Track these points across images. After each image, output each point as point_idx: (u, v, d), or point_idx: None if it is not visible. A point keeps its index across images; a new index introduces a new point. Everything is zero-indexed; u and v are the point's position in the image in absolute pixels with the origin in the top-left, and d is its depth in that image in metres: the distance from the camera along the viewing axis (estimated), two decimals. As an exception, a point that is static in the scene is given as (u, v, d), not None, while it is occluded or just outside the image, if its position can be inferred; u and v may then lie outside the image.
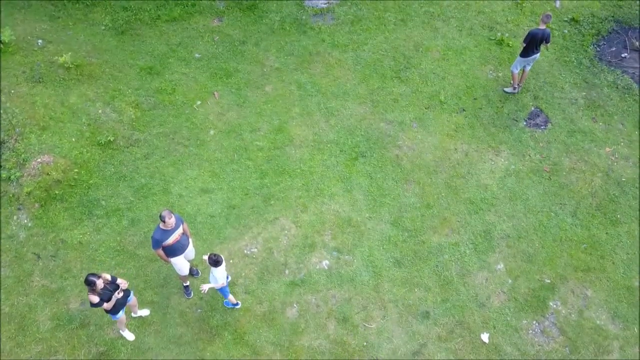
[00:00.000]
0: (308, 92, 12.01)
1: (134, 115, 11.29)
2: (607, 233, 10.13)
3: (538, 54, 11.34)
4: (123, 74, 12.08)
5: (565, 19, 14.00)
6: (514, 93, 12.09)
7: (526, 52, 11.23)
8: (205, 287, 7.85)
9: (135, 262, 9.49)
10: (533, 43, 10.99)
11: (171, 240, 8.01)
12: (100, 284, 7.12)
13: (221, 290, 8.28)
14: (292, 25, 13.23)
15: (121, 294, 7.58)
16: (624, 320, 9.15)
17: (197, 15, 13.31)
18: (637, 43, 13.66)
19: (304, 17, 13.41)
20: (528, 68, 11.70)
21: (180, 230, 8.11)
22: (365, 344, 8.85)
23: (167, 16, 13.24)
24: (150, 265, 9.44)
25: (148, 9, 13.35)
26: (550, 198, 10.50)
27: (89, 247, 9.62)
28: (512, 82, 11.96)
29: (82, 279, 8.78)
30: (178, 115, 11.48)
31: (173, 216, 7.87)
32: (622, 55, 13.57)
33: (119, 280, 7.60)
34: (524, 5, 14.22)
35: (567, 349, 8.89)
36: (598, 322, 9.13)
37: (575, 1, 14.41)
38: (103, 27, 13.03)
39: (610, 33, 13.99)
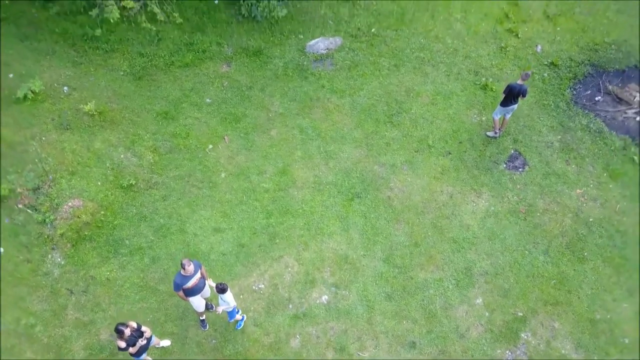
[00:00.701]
0: (309, 136, 13.32)
1: (152, 159, 12.60)
2: (574, 270, 11.48)
3: (516, 105, 12.66)
4: (141, 118, 13.37)
5: (546, 62, 15.31)
6: (495, 137, 13.41)
7: (505, 103, 12.54)
8: (219, 309, 9.27)
9: (157, 297, 10.82)
10: (511, 95, 12.31)
11: (190, 284, 9.35)
12: (127, 332, 8.44)
13: (230, 313, 9.65)
14: (295, 71, 14.51)
15: (144, 342, 8.90)
16: (585, 350, 10.52)
17: (207, 61, 14.58)
18: (610, 87, 14.98)
19: (305, 63, 14.69)
20: (508, 116, 13.01)
21: (198, 275, 9.45)
22: (359, 372, 10.23)
23: (180, 62, 14.50)
24: (170, 300, 10.78)
25: (162, 55, 14.60)
26: (525, 237, 11.84)
27: (115, 283, 10.96)
28: (493, 127, 13.27)
29: (111, 312, 10.13)
30: (192, 159, 12.79)
31: (192, 263, 9.21)
32: (596, 98, 14.90)
33: (143, 328, 8.93)
34: (507, 49, 15.52)
35: (534, 376, 10.27)
36: (563, 351, 10.51)
37: (555, 45, 15.70)
38: (122, 73, 14.30)
39: (586, 77, 15.30)
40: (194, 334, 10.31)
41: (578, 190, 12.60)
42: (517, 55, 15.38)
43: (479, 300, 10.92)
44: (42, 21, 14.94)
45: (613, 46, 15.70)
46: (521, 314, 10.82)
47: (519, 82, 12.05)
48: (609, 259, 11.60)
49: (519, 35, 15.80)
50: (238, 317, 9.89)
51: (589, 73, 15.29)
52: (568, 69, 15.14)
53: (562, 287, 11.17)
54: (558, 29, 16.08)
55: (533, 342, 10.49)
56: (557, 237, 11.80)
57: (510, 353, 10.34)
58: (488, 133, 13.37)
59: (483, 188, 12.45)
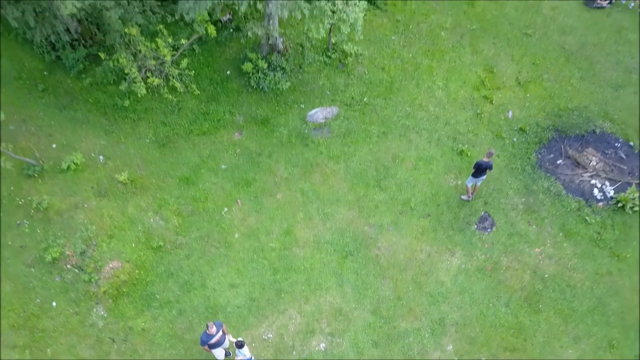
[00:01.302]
0: (309, 199, 15.71)
1: (177, 222, 15.00)
2: (530, 320, 13.91)
3: (485, 175, 15.05)
4: (166, 184, 15.76)
5: (515, 128, 17.68)
6: (468, 200, 15.81)
7: (475, 174, 14.93)
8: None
9: (184, 344, 13.25)
10: (479, 170, 14.71)
11: (213, 340, 11.77)
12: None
13: None
14: (297, 139, 16.89)
15: None
16: None
17: (222, 129, 16.95)
18: (570, 151, 17.38)
19: (306, 131, 17.07)
20: (479, 183, 15.41)
21: (220, 333, 11.87)
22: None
23: (198, 130, 16.87)
24: (195, 348, 13.21)
25: (182, 123, 16.97)
26: (490, 292, 14.27)
27: (149, 332, 13.38)
28: (467, 192, 15.67)
29: (147, 358, 12.53)
30: (210, 221, 15.18)
31: (214, 326, 11.60)
32: (558, 162, 17.29)
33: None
34: (482, 115, 17.89)
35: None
36: None
37: (524, 111, 18.09)
38: (148, 140, 16.67)
39: (550, 141, 17.68)
40: None
41: (537, 249, 15.01)
42: (491, 121, 17.73)
43: (450, 347, 13.34)
44: (77, 91, 17.28)
45: (575, 112, 18.04)
46: (483, 356, 13.24)
47: (485, 159, 14.44)
48: (560, 311, 14.03)
49: (493, 102, 18.13)
50: (244, 356, 12.18)
51: (553, 138, 17.63)
52: (535, 134, 17.49)
53: (520, 336, 13.59)
54: (528, 95, 18.43)
55: None
56: (517, 292, 14.22)
57: None
58: (462, 197, 15.75)
59: (456, 247, 14.86)
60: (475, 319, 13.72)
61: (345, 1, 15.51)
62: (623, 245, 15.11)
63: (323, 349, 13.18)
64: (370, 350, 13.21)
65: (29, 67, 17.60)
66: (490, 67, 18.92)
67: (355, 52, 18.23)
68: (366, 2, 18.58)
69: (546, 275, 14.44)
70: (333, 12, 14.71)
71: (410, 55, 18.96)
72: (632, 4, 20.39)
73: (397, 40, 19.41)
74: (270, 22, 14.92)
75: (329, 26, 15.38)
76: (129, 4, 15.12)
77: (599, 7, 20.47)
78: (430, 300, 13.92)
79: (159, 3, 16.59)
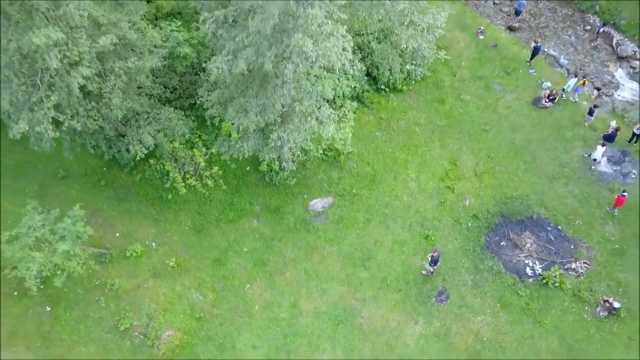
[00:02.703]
0: (310, 277, 21.10)
1: (212, 297, 20.42)
2: None
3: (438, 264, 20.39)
4: (203, 265, 21.13)
5: (470, 214, 22.98)
6: (430, 275, 21.20)
7: (432, 263, 20.29)
8: None
9: None
10: (433, 259, 20.06)
11: None
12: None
13: None
14: (301, 225, 22.19)
15: None
16: None
17: (244, 217, 22.23)
18: (511, 234, 22.73)
19: (308, 218, 22.38)
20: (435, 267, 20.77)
21: None
22: None
23: (225, 219, 22.17)
24: None
25: (213, 213, 22.25)
26: (442, 352, 19.71)
27: None
28: (430, 271, 21.05)
29: None
30: (237, 295, 20.58)
31: None
32: (501, 243, 22.64)
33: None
34: (445, 203, 23.15)
35: None
36: None
37: (479, 199, 23.35)
38: (187, 227, 21.99)
39: (496, 225, 22.97)
40: None
41: (479, 318, 20.48)
42: (452, 208, 23.04)
43: None
44: (130, 185, 22.54)
45: (518, 200, 23.28)
46: None
47: (435, 255, 19.74)
48: None
49: (455, 191, 23.39)
50: None
51: (499, 222, 22.92)
52: (485, 219, 22.79)
53: None
54: (482, 184, 23.68)
55: None
56: (462, 352, 19.69)
57: None
58: (423, 272, 21.13)
59: (419, 317, 20.32)
60: None
61: (338, 126, 20.70)
62: (544, 313, 20.54)
63: None
64: None
65: (91, 164, 22.78)
66: (454, 160, 24.11)
67: (346, 151, 23.32)
68: (356, 104, 23.64)
69: (484, 339, 19.91)
70: (327, 138, 19.74)
71: (390, 150, 24.17)
72: (576, 99, 25.39)
73: (380, 136, 24.61)
74: (282, 150, 19.94)
75: (325, 146, 20.51)
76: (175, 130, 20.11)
77: (543, 107, 25.63)
78: (398, 358, 19.38)
79: (194, 118, 21.56)
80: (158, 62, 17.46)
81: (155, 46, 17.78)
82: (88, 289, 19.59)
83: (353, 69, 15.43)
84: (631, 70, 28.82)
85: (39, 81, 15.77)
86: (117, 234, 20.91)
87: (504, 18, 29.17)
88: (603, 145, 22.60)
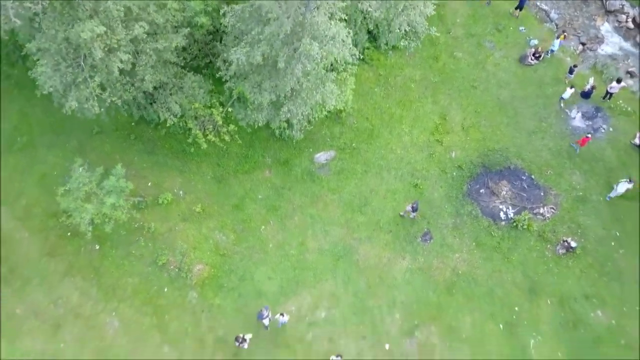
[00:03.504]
0: (315, 220, 24.99)
1: (233, 237, 24.46)
2: (446, 300, 23.77)
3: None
4: (224, 210, 24.98)
5: (456, 165, 26.41)
6: (405, 217, 24.99)
7: (413, 210, 24.05)
8: (279, 319, 21.75)
9: (243, 314, 23.16)
10: (413, 209, 23.78)
11: (264, 315, 21.75)
12: (242, 338, 20.91)
13: (281, 322, 21.96)
14: (307, 176, 25.74)
15: (244, 344, 21.42)
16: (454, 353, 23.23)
17: (257, 169, 25.73)
18: (490, 183, 26.32)
19: (313, 170, 25.89)
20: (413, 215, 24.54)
21: (267, 312, 21.81)
22: None
23: (241, 170, 25.70)
24: (251, 317, 23.26)
25: (231, 165, 25.72)
26: (425, 284, 23.94)
27: (222, 307, 23.35)
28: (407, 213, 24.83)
29: (223, 322, 22.63)
30: (254, 236, 24.58)
31: (265, 309, 21.53)
32: (481, 191, 26.27)
33: (246, 336, 21.47)
34: (434, 155, 26.51)
35: None
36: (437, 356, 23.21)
37: (464, 152, 26.67)
38: (209, 177, 25.59)
39: (478, 175, 26.49)
40: (263, 333, 22.91)
41: (457, 255, 24.58)
42: (440, 160, 26.44)
43: (397, 316, 23.34)
44: (157, 139, 25.89)
45: (499, 152, 26.60)
46: (416, 322, 23.34)
47: (414, 205, 23.39)
48: (467, 294, 23.82)
49: (443, 144, 26.66)
50: (284, 320, 22.13)
51: (480, 172, 26.40)
52: (468, 169, 26.26)
53: (440, 310, 23.49)
54: (468, 138, 26.91)
55: (420, 336, 23.08)
56: (440, 282, 23.96)
57: (409, 342, 22.99)
58: (404, 214, 24.87)
59: (406, 254, 24.41)
60: (414, 299, 23.54)
61: (340, 90, 23.58)
62: (512, 251, 24.54)
63: (323, 316, 23.18)
64: (351, 317, 23.21)
65: (121, 121, 25.97)
66: (444, 115, 27.13)
67: (348, 109, 26.29)
68: (357, 63, 26.08)
69: (460, 272, 24.09)
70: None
71: (387, 105, 27.14)
72: (555, 48, 27.69)
73: (379, 92, 27.45)
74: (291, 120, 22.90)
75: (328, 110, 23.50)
76: (197, 93, 22.99)
77: (529, 65, 28.17)
78: (388, 288, 23.66)
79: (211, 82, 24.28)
80: (182, 41, 20.06)
81: (177, 25, 20.24)
82: (129, 231, 23.51)
83: (352, 58, 18.06)
84: (617, 24, 30.79)
85: (82, 63, 18.57)
86: (149, 184, 24.50)
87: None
88: (571, 87, 25.41)
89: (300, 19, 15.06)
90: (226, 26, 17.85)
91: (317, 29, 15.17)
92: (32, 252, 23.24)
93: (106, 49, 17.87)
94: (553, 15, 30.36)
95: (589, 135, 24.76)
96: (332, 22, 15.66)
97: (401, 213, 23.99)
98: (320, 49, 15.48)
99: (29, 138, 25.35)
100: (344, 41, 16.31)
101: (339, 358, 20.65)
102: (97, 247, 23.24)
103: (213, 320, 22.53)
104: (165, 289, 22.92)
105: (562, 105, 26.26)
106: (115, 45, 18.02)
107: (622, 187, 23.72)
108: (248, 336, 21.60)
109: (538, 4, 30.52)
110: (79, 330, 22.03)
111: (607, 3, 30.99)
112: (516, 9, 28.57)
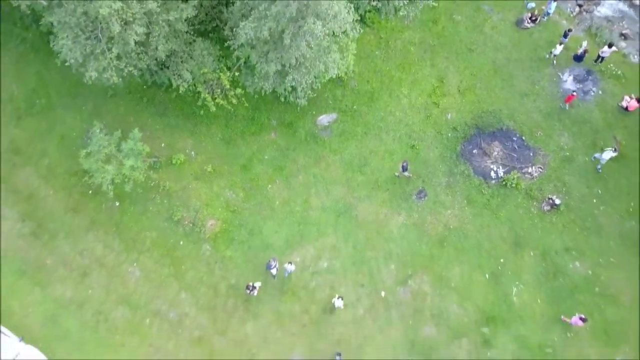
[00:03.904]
0: (318, 180, 26.94)
1: (242, 195, 26.49)
2: (438, 252, 26.03)
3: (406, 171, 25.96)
4: (233, 170, 26.89)
5: (451, 127, 28.03)
6: (399, 177, 26.93)
7: (403, 169, 25.93)
8: (288, 268, 24.19)
9: (254, 264, 25.49)
10: (404, 168, 25.65)
11: (272, 264, 24.13)
12: (251, 285, 23.36)
13: (287, 272, 24.48)
14: (310, 137, 27.45)
15: (254, 291, 23.87)
16: (437, 288, 25.73)
17: (263, 131, 27.41)
18: (483, 144, 28.06)
19: (316, 131, 27.60)
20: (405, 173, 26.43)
21: (275, 263, 24.17)
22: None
23: (248, 131, 27.40)
24: (259, 267, 25.64)
25: (238, 127, 27.39)
26: (418, 237, 26.09)
27: (233, 258, 25.65)
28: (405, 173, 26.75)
29: (236, 272, 25.05)
30: (261, 194, 26.57)
31: (273, 260, 23.87)
32: (474, 152, 28.05)
33: (255, 284, 23.89)
34: (430, 117, 28.09)
35: None
36: (429, 299, 25.71)
37: (459, 114, 28.25)
38: (218, 139, 27.34)
39: (471, 136, 28.18)
40: (270, 282, 25.36)
41: (449, 211, 26.66)
42: (436, 122, 28.06)
43: (392, 267, 25.73)
44: (168, 102, 27.49)
45: (492, 114, 28.16)
46: (410, 272, 25.75)
47: (404, 164, 25.25)
48: (455, 248, 25.98)
49: (439, 106, 28.19)
50: (290, 268, 24.53)
51: (474, 134, 28.06)
52: (463, 131, 27.91)
53: (431, 261, 25.79)
54: (464, 100, 28.41)
55: (413, 285, 25.53)
56: (432, 237, 26.14)
57: (403, 290, 25.48)
58: (396, 173, 26.77)
59: (402, 210, 26.48)
60: (408, 252, 25.82)
61: (342, 56, 24.90)
62: (501, 208, 26.56)
63: (325, 266, 25.54)
64: (350, 267, 25.56)
65: (133, 83, 27.44)
66: (441, 78, 28.49)
67: (349, 73, 27.63)
68: (360, 25, 27.14)
69: (451, 227, 26.22)
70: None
71: (387, 68, 28.46)
72: (551, 10, 28.69)
73: (379, 55, 28.69)
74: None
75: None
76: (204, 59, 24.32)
77: (525, 28, 29.21)
78: (384, 241, 25.88)
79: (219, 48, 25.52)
80: (192, 12, 21.26)
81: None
82: (146, 189, 25.49)
83: (353, 32, 19.34)
84: (614, -16, 31.23)
85: (100, 35, 19.93)
86: (162, 145, 26.28)
87: None
88: (560, 44, 26.71)
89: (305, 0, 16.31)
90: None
91: (321, 8, 16.43)
92: (57, 209, 25.30)
93: (122, 22, 19.13)
94: (552, -24, 30.81)
95: (574, 93, 26.21)
96: (335, 1, 16.88)
97: (396, 174, 25.79)
98: (323, 27, 16.80)
99: (47, 101, 26.86)
100: (344, 19, 17.57)
101: (340, 299, 23.01)
102: (117, 203, 25.28)
103: (225, 270, 24.86)
104: (181, 242, 25.14)
105: (554, 62, 27.48)
106: (131, 19, 19.26)
107: (607, 154, 25.39)
108: (257, 284, 23.97)
109: (538, -36, 30.89)
110: (104, 278, 24.41)
111: (606, -36, 31.28)
112: None
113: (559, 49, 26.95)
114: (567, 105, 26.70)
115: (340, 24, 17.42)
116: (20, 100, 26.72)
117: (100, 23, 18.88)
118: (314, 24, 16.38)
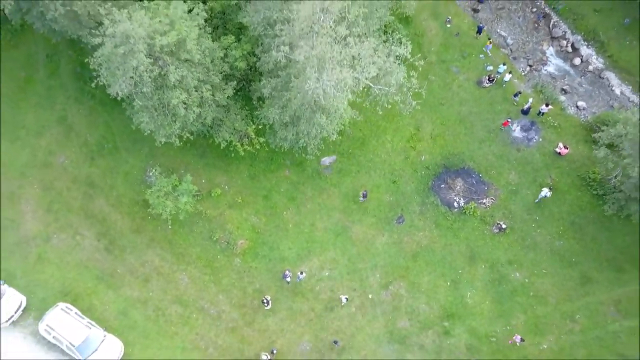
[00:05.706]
0: (322, 207, 35.36)
1: (264, 220, 34.98)
2: (411, 264, 34.74)
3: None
4: (257, 200, 35.33)
5: (424, 166, 36.41)
6: (364, 201, 35.59)
7: (363, 197, 34.56)
8: (299, 276, 32.99)
9: (273, 274, 34.36)
10: (364, 196, 34.28)
11: (287, 274, 32.84)
12: (266, 298, 32.08)
13: (299, 277, 33.20)
14: (316, 174, 35.77)
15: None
16: (415, 292, 34.53)
17: (280, 169, 35.73)
18: (449, 180, 36.55)
19: (320, 169, 35.92)
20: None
21: (288, 272, 32.91)
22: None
23: (269, 170, 35.68)
24: (277, 275, 34.38)
25: (260, 166, 35.64)
26: (396, 253, 34.61)
27: (258, 269, 34.24)
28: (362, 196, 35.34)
29: (260, 279, 33.76)
30: (278, 219, 34.98)
31: (287, 270, 32.61)
32: (441, 186, 36.53)
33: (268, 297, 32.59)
34: (408, 158, 36.51)
35: None
36: (405, 299, 34.48)
37: (431, 156, 36.60)
38: (245, 175, 35.68)
39: (440, 174, 36.58)
40: (285, 286, 34.03)
41: (421, 233, 35.26)
42: (413, 162, 36.44)
43: (378, 275, 34.40)
44: (206, 146, 35.64)
45: (457, 156, 36.40)
46: (391, 279, 34.46)
47: (364, 192, 33.87)
48: (425, 261, 34.69)
49: (416, 149, 36.46)
50: (302, 276, 33.17)
51: (442, 171, 36.41)
52: (434, 169, 36.27)
53: (407, 270, 34.41)
54: (435, 145, 36.69)
55: (393, 289, 34.26)
56: (408, 252, 34.64)
57: (385, 293, 34.20)
58: (363, 200, 35.46)
59: (385, 232, 34.94)
60: (389, 264, 34.35)
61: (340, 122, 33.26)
62: (461, 230, 34.92)
63: (327, 275, 34.14)
64: (346, 275, 34.12)
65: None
66: (418, 126, 36.67)
67: (346, 127, 35.91)
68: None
69: (423, 245, 34.75)
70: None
71: (375, 119, 36.73)
72: (507, 81, 37.02)
73: (369, 108, 37.05)
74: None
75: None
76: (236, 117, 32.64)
77: (484, 87, 37.50)
78: (371, 256, 34.34)
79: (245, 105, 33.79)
80: (232, 91, 29.58)
81: (223, 72, 29.41)
82: (191, 215, 33.93)
83: (353, 115, 27.75)
84: (559, 48, 39.73)
85: (168, 112, 28.32)
86: (203, 180, 34.68)
87: (471, 1, 39.01)
88: (510, 73, 34.81)
89: (314, 98, 24.60)
90: (263, 86, 27.17)
91: (326, 106, 24.76)
92: (124, 229, 33.81)
93: (184, 106, 27.49)
94: (509, 41, 39.04)
95: (508, 120, 34.55)
96: (338, 97, 25.18)
97: (360, 199, 33.78)
98: (327, 118, 25.18)
99: (113, 145, 35.16)
100: (344, 110, 25.93)
101: (345, 298, 31.51)
102: (170, 226, 33.81)
103: (252, 277, 33.46)
104: (219, 257, 33.70)
105: (504, 86, 35.73)
106: (191, 103, 27.62)
107: (544, 192, 33.85)
108: (268, 297, 32.40)
109: (498, 30, 39.17)
110: (161, 283, 33.04)
111: (552, 30, 39.60)
112: (477, 33, 37.39)
113: (508, 76, 35.01)
114: (503, 127, 34.94)
115: (340, 115, 25.72)
116: (92, 144, 34.98)
117: (170, 107, 27.20)
118: (321, 119, 24.72)
